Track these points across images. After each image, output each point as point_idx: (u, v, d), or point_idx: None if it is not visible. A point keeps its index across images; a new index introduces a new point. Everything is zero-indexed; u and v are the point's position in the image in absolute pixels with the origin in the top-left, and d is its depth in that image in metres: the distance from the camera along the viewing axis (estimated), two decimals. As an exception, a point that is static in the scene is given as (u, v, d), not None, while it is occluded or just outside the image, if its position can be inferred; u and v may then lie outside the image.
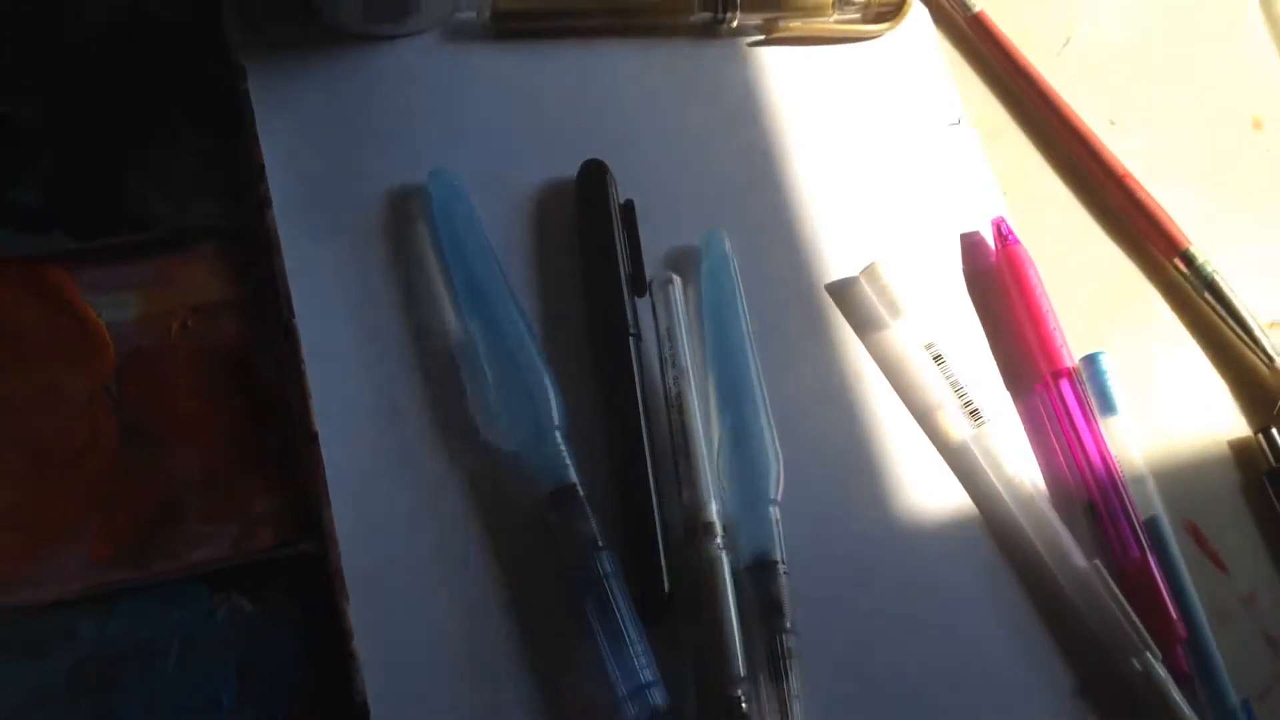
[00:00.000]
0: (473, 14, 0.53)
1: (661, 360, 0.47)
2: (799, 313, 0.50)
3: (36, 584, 0.38)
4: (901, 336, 0.50)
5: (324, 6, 0.50)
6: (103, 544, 0.39)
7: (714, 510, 0.45)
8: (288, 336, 0.42)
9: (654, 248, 0.50)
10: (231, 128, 0.45)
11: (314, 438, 0.40)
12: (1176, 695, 0.44)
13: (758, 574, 0.44)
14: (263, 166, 0.44)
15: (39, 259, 0.42)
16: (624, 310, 0.48)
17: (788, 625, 0.43)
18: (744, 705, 0.41)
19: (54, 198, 0.43)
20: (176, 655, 0.38)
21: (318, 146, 0.48)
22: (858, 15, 0.57)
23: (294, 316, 0.42)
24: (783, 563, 0.44)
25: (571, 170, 0.51)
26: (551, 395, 0.45)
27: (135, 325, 0.42)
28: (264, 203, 0.43)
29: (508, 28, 0.53)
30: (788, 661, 0.42)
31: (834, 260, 0.52)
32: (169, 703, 0.37)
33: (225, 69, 0.45)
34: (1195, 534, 0.49)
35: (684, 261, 0.50)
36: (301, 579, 0.39)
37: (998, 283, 0.52)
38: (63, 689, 0.37)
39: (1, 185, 0.42)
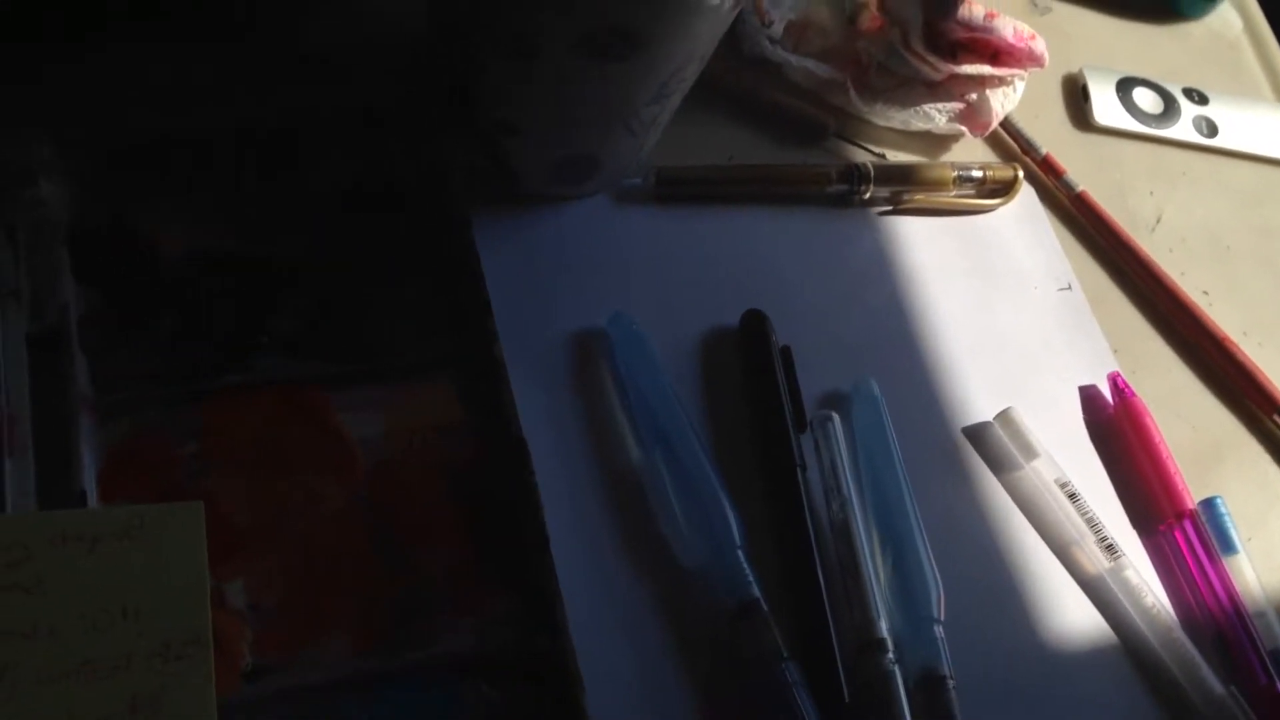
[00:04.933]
0: (639, 180, 0.59)
1: (826, 490, 0.52)
2: (939, 452, 0.55)
3: (309, 668, 0.42)
4: (1035, 476, 0.55)
5: (519, 172, 0.56)
6: (362, 635, 0.43)
7: (883, 627, 0.49)
8: (518, 452, 0.46)
9: (806, 389, 0.55)
10: (459, 270, 0.50)
11: (545, 542, 0.45)
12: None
13: (928, 687, 0.48)
14: (489, 304, 0.49)
15: (299, 381, 0.47)
16: (791, 444, 0.53)
17: (960, 735, 0.46)
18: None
19: (309, 328, 0.48)
20: (431, 738, 0.41)
21: (514, 289, 0.54)
22: (974, 191, 0.63)
23: (523, 435, 0.47)
24: (951, 677, 0.48)
25: (728, 318, 0.56)
26: (731, 517, 0.50)
27: (382, 441, 0.46)
28: (491, 335, 0.49)
29: (670, 193, 0.59)
30: (963, 768, 0.46)
31: (967, 406, 0.57)
32: (427, 781, 0.40)
33: (453, 221, 0.51)
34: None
35: (835, 403, 0.55)
36: (539, 670, 0.43)
37: (1118, 431, 0.57)
38: (333, 765, 0.40)
39: (265, 316, 0.48)
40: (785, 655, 0.47)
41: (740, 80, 0.63)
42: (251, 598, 0.43)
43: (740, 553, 0.49)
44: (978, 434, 0.56)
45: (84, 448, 0.43)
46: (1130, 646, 0.51)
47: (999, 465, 0.55)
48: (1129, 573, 0.52)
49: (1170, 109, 0.69)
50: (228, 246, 0.49)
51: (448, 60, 0.53)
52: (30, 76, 0.51)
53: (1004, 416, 0.55)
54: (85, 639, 0.38)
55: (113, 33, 0.53)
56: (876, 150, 0.64)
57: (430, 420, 0.47)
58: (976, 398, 0.57)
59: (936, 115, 0.63)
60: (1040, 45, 0.62)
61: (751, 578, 0.48)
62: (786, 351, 0.55)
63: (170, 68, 0.54)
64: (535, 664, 0.43)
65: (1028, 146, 0.65)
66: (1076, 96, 0.69)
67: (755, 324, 0.56)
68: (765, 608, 0.48)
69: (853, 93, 0.63)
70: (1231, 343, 0.60)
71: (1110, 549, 0.52)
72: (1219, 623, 0.52)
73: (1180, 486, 0.54)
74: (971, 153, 0.65)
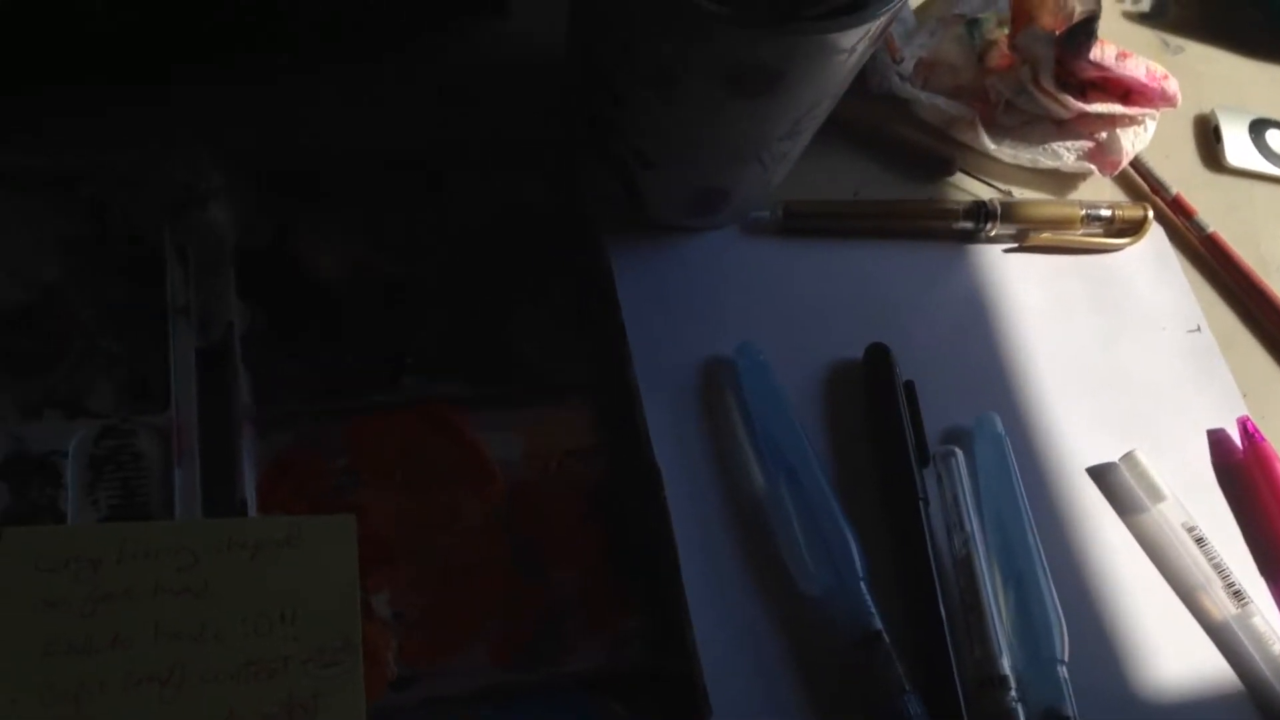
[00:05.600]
0: (766, 213, 0.60)
1: (948, 525, 0.53)
2: (1063, 491, 0.56)
3: (449, 678, 0.44)
4: (1162, 519, 0.55)
5: (651, 202, 0.58)
6: (500, 648, 0.45)
7: (1006, 664, 0.49)
8: (651, 475, 0.48)
9: (928, 424, 0.56)
10: (595, 296, 0.52)
11: (676, 565, 0.46)
12: None
13: (1050, 727, 0.48)
14: (624, 330, 0.51)
15: (442, 401, 0.49)
16: (914, 478, 0.53)
17: (1084, 776, 0.47)
18: None
19: (449, 350, 0.50)
20: (562, 750, 0.43)
21: (644, 317, 0.55)
22: (1102, 230, 0.63)
23: (655, 460, 0.48)
24: (1075, 717, 0.48)
25: (851, 351, 0.57)
26: (854, 547, 0.50)
27: (520, 462, 0.48)
28: (626, 361, 0.50)
29: (796, 225, 0.61)
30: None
31: (1092, 446, 0.57)
32: (561, 791, 0.42)
33: (590, 248, 0.53)
34: None
35: (957, 439, 0.56)
36: (668, 690, 0.45)
37: (1246, 476, 0.56)
38: (473, 770, 0.42)
39: (410, 338, 0.50)
40: (908, 688, 0.47)
41: (868, 115, 0.64)
42: (396, 608, 0.45)
43: (863, 584, 0.50)
44: (1103, 474, 0.56)
45: (245, 458, 0.46)
46: (1256, 694, 0.51)
47: (1124, 507, 0.55)
48: (1256, 619, 0.52)
49: (1303, 152, 0.68)
50: (377, 269, 0.51)
51: (586, 91, 0.55)
52: (202, 107, 0.54)
53: (1130, 458, 0.55)
54: (246, 642, 0.40)
55: (275, 67, 0.56)
56: (1003, 187, 0.64)
57: (566, 443, 0.49)
58: (1101, 438, 0.57)
59: (1065, 153, 0.63)
60: (1173, 85, 0.62)
61: (874, 609, 0.49)
62: (910, 386, 0.56)
63: (325, 97, 0.56)
64: (664, 684, 0.44)
65: (1158, 186, 0.65)
66: (1208, 137, 0.69)
67: (879, 358, 0.56)
68: (887, 639, 0.48)
69: (981, 129, 0.63)
70: (1366, 390, 0.59)
71: (1238, 595, 0.52)
72: (1348, 674, 0.51)
73: (1310, 534, 0.54)
74: (1100, 191, 0.65)
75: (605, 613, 0.46)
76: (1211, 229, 0.64)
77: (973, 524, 0.52)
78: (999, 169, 0.64)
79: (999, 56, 0.64)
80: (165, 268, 0.49)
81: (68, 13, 0.51)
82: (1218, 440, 0.58)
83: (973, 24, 0.65)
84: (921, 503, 0.53)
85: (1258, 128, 0.69)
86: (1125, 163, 0.63)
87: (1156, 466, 0.55)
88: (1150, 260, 0.63)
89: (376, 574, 0.45)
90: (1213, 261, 0.64)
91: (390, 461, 0.47)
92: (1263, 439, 0.56)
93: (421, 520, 0.46)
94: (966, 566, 0.51)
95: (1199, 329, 0.61)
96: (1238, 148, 0.68)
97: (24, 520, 0.43)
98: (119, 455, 0.45)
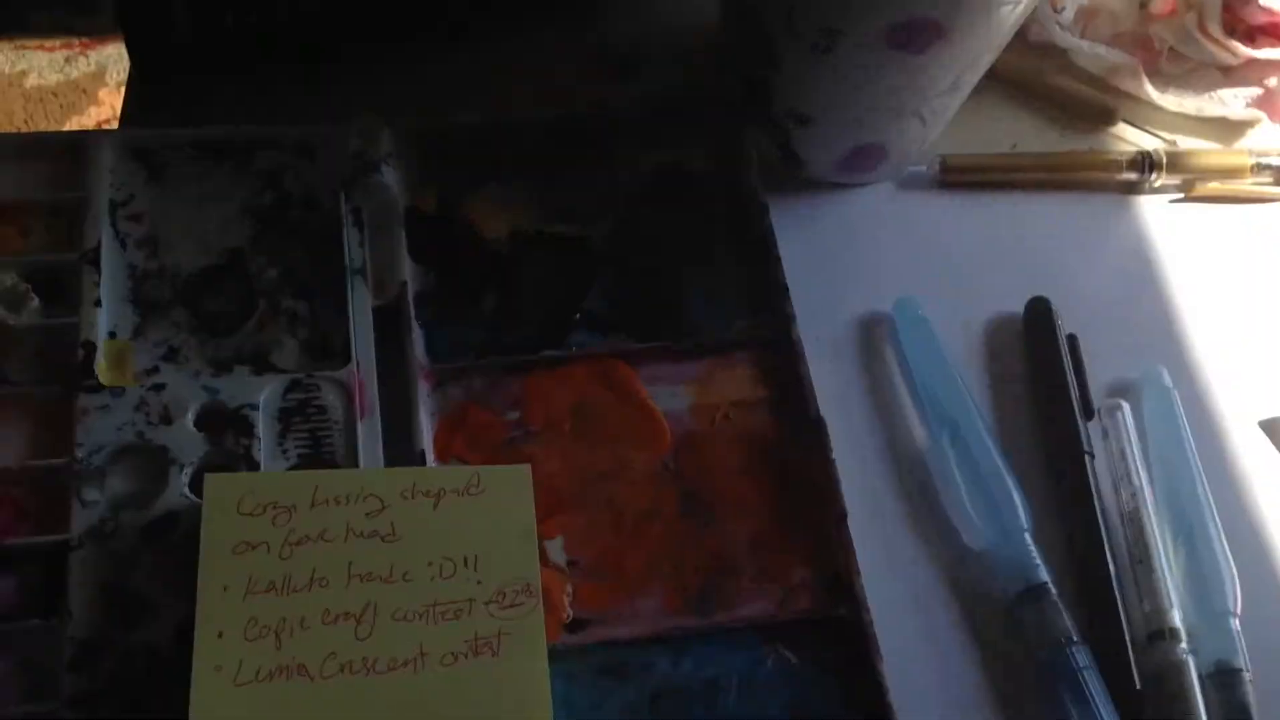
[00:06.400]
0: (923, 169, 0.60)
1: (1114, 478, 0.52)
2: (1234, 444, 0.54)
3: (624, 623, 0.45)
4: (1340, 474, 0.53)
5: (808, 160, 0.58)
6: (672, 594, 0.46)
7: (1176, 617, 0.48)
8: (816, 428, 0.48)
9: (1092, 378, 0.55)
10: (758, 254, 0.53)
11: (843, 516, 0.47)
12: None
13: (1222, 681, 0.47)
14: (787, 288, 0.52)
15: (611, 357, 0.50)
16: (1078, 431, 0.53)
17: (1256, 730, 0.46)
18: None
19: (619, 306, 0.51)
20: (736, 693, 0.44)
21: (803, 273, 0.56)
22: (1272, 179, 0.61)
23: (820, 414, 0.49)
24: (1247, 670, 0.47)
25: (1011, 305, 0.57)
26: (1019, 500, 0.50)
27: (687, 414, 0.49)
28: (788, 318, 0.51)
29: (954, 180, 0.60)
30: (1258, 764, 0.45)
31: (1265, 399, 0.55)
32: (733, 733, 0.43)
33: (752, 207, 0.53)
34: None
35: (1122, 392, 0.55)
36: (838, 638, 0.45)
37: None
38: (647, 712, 0.44)
39: (579, 295, 0.51)
40: (1075, 638, 0.47)
41: (1026, 66, 0.63)
42: (570, 555, 0.46)
43: (1028, 535, 0.49)
44: (1276, 428, 0.54)
45: (421, 411, 0.48)
46: None
47: (1299, 460, 0.54)
48: None
49: None
50: (545, 232, 0.53)
51: (743, 53, 0.56)
52: (373, 81, 0.56)
53: (1305, 411, 0.54)
54: (432, 584, 0.42)
55: (440, 41, 0.58)
56: (1168, 137, 0.62)
57: (732, 397, 0.49)
58: (1274, 391, 0.55)
59: (1232, 101, 0.62)
60: (1349, 27, 0.60)
61: (1039, 561, 0.49)
62: (1073, 339, 0.55)
63: (489, 65, 0.58)
64: (835, 631, 0.45)
65: (1333, 132, 0.63)
66: (1386, 79, 0.66)
67: (1041, 311, 0.56)
68: (1054, 591, 0.48)
69: (1144, 78, 0.62)
70: None
71: None
72: None
73: None
74: (1269, 140, 0.63)
75: (774, 562, 0.46)
76: (1392, 176, 0.61)
77: (1141, 477, 0.51)
78: (1162, 118, 0.63)
79: (1162, 3, 0.63)
80: (341, 232, 0.51)
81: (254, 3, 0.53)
82: (1397, 395, 0.56)
83: (1135, -31, 0.63)
84: (1087, 456, 0.52)
85: None
86: (1297, 109, 0.61)
87: (1334, 420, 0.53)
88: (1325, 209, 0.61)
89: (549, 522, 0.46)
90: (1392, 210, 0.61)
91: (561, 415, 0.49)
92: None
93: (592, 471, 0.47)
94: (1135, 520, 0.50)
95: (1376, 280, 0.59)
96: None
97: (221, 468, 0.45)
98: (305, 408, 0.47)
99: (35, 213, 0.50)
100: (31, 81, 1.25)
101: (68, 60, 1.28)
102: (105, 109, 1.27)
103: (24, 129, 1.23)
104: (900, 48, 0.48)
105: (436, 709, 0.40)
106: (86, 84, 1.26)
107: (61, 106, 1.26)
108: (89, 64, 1.28)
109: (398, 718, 0.40)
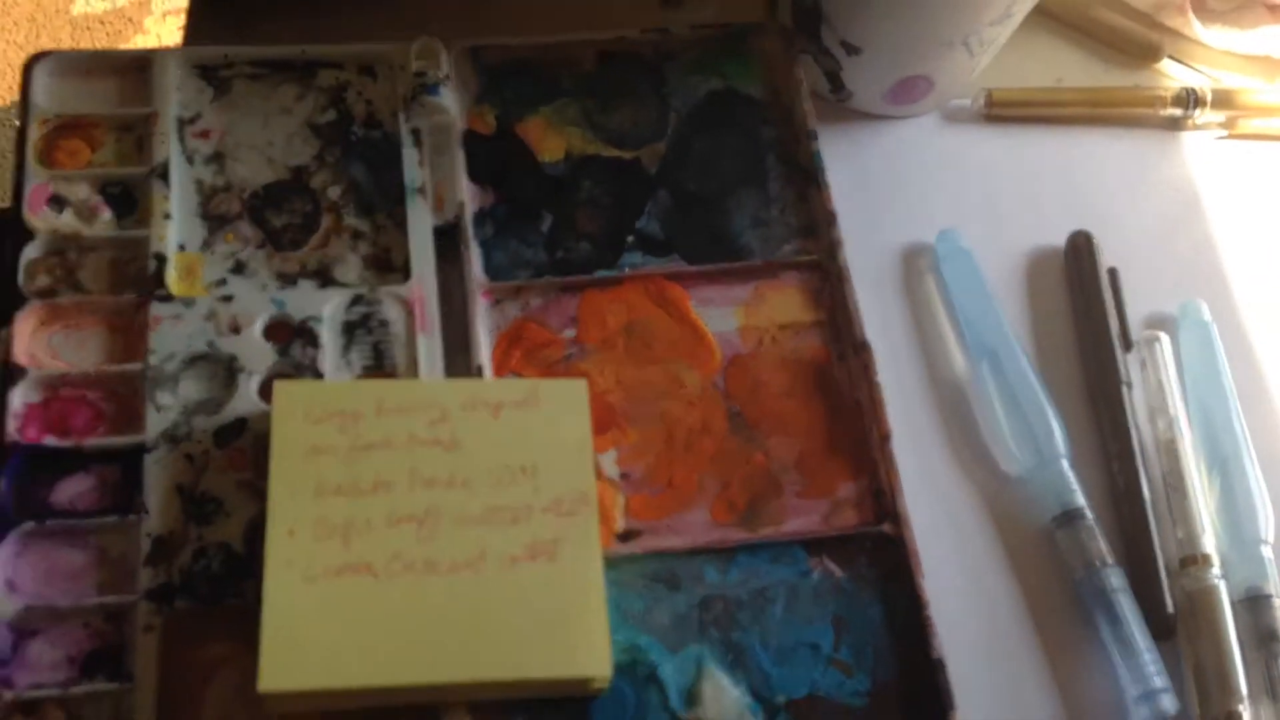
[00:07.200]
0: (967, 101, 0.61)
1: (1151, 409, 0.53)
2: (1271, 378, 0.55)
3: (676, 533, 0.47)
4: (1374, 409, 0.54)
5: (855, 93, 0.59)
6: (721, 508, 0.48)
7: (1209, 543, 0.50)
8: (861, 351, 0.50)
9: (1131, 311, 0.56)
10: (807, 181, 0.54)
11: (887, 436, 0.48)
12: None
13: (1252, 605, 0.49)
14: (834, 214, 0.53)
15: (663, 276, 0.51)
16: (1116, 361, 0.54)
17: (1284, 652, 0.47)
18: None
19: (672, 229, 0.53)
20: (783, 603, 0.46)
21: (849, 202, 0.56)
22: (1317, 117, 0.62)
23: (866, 338, 0.50)
24: (1277, 595, 0.49)
25: (1053, 238, 0.58)
26: (1056, 427, 0.51)
27: (736, 335, 0.51)
28: (836, 243, 0.52)
29: (998, 114, 0.61)
30: (1285, 685, 0.47)
31: (1301, 337, 0.56)
32: (778, 639, 0.45)
33: (802, 135, 0.54)
34: None
35: (1161, 325, 0.56)
36: (880, 553, 0.47)
37: None
38: (697, 618, 0.45)
39: (632, 217, 0.53)
40: (1110, 561, 0.49)
41: (1072, 0, 0.63)
42: (623, 468, 0.48)
43: (1065, 460, 0.51)
44: (1314, 363, 0.56)
45: (479, 327, 0.49)
46: None
47: (1336, 395, 0.55)
48: None
49: None
50: (598, 154, 0.54)
51: (796, -19, 0.56)
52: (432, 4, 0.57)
53: (1342, 347, 0.55)
54: (492, 491, 0.44)
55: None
56: (1212, 74, 0.63)
57: (780, 319, 0.51)
58: (1312, 329, 0.56)
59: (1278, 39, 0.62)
60: (1402, -35, 0.60)
61: (1076, 486, 0.50)
62: (1113, 273, 0.56)
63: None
64: (878, 546, 0.46)
65: (1379, 72, 0.63)
66: None
67: (1082, 244, 0.57)
68: (1090, 515, 0.50)
69: (1190, 14, 0.62)
70: None
71: None
72: None
73: None
74: (1316, 78, 0.63)
75: (820, 478, 0.48)
76: None
77: (1177, 408, 0.52)
78: (1207, 55, 0.63)
79: (1212, -61, 0.63)
80: (400, 151, 0.52)
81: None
82: None
83: (1186, -96, 0.63)
84: (1125, 386, 0.53)
85: None
86: (1345, 47, 0.62)
87: (1370, 357, 0.54)
88: (1369, 148, 0.61)
89: (603, 436, 0.48)
90: None
91: (614, 333, 0.50)
92: None
93: (644, 388, 0.49)
94: (1170, 449, 0.52)
95: None
96: None
97: (289, 377, 0.47)
98: (368, 321, 0.49)
99: (104, 127, 0.51)
100: (79, 8, 1.26)
101: (116, -12, 1.29)
102: (151, 38, 1.28)
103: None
104: (954, -25, 0.49)
105: (496, 609, 0.42)
106: (133, 13, 1.27)
107: (108, 34, 1.27)
108: (137, -8, 1.29)
109: (459, 616, 0.42)
